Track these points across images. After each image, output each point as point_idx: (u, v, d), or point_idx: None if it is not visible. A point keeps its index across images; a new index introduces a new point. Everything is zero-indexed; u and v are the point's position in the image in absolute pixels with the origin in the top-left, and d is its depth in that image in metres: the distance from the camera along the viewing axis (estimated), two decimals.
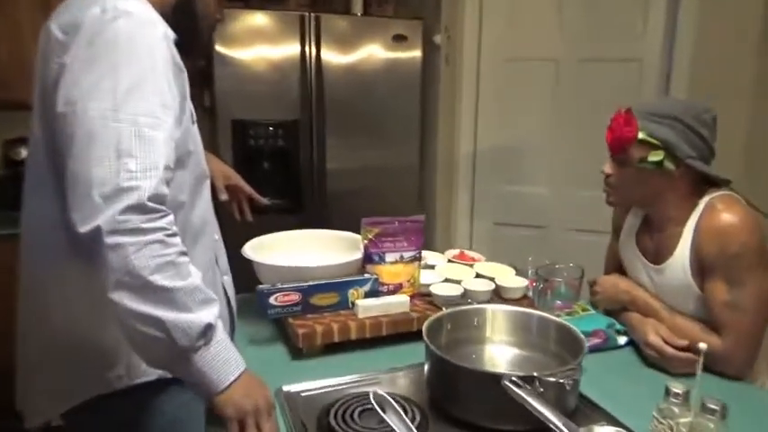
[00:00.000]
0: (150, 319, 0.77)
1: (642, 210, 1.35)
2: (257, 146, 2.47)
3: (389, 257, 1.35)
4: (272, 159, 2.53)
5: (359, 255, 1.37)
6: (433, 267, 1.49)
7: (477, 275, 1.46)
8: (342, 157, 2.63)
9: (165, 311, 0.77)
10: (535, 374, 0.89)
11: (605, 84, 2.48)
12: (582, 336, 1.03)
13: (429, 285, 1.37)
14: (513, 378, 0.88)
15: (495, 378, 0.89)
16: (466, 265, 1.55)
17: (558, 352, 1.08)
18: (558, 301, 1.42)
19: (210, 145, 2.86)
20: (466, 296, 1.33)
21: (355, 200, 2.65)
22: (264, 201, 1.53)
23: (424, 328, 1.04)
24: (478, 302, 1.32)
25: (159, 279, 0.77)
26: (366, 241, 1.36)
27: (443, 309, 1.19)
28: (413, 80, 2.68)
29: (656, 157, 1.15)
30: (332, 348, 1.23)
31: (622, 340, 1.27)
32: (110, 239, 0.75)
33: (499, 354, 1.13)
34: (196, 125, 1.04)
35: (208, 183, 1.10)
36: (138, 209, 0.77)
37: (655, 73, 2.43)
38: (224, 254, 1.22)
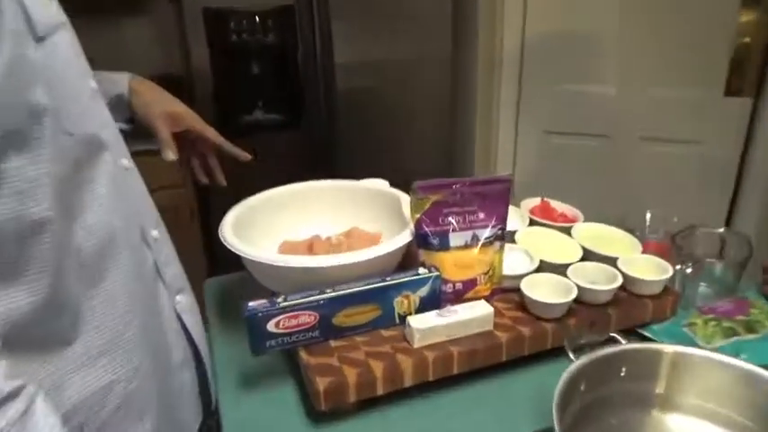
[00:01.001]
0: None
1: None
2: (240, 42, 1.86)
3: (456, 239, 0.84)
4: (261, 59, 1.93)
5: (407, 234, 0.85)
6: (511, 237, 0.98)
7: (586, 254, 0.95)
8: (352, 50, 2.02)
9: None
10: None
11: None
12: None
13: (516, 278, 0.87)
14: None
15: None
16: (558, 228, 1.03)
17: None
18: (706, 289, 0.93)
19: (179, 45, 2.23)
20: (579, 296, 0.83)
21: (370, 107, 2.08)
22: (245, 155, 1.00)
23: (554, 410, 0.56)
24: (597, 304, 0.83)
25: None
26: (419, 215, 0.83)
27: (571, 351, 0.69)
28: None
29: None
30: (373, 401, 0.75)
31: None
32: None
33: None
34: (65, 34, 0.50)
35: (106, 158, 0.58)
36: None
37: None
38: (174, 259, 0.73)
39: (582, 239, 0.98)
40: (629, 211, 1.12)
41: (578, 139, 2.22)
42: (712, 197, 2.09)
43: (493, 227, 0.85)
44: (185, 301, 0.78)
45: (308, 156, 2.03)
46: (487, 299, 0.86)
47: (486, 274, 0.86)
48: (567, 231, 1.03)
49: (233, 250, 0.82)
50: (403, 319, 0.81)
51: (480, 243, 0.85)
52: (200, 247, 2.14)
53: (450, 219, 0.83)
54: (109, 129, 0.64)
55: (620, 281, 0.85)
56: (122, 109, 0.87)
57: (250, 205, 0.98)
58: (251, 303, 0.75)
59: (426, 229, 0.83)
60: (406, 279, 0.80)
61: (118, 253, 0.60)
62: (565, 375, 0.61)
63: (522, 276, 0.87)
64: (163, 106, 0.88)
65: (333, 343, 0.79)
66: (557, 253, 0.94)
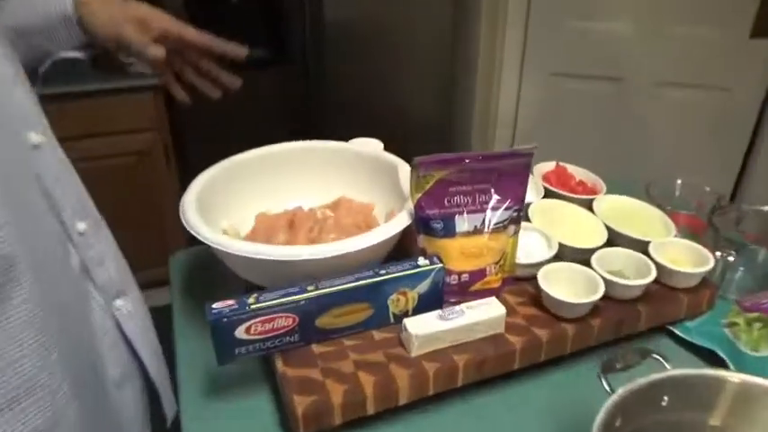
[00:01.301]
0: None
1: None
2: None
3: (463, 223, 0.70)
4: None
5: (404, 216, 0.71)
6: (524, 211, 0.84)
7: (611, 235, 0.81)
8: None
9: None
10: None
11: None
12: None
13: (532, 266, 0.74)
14: None
15: None
16: (577, 200, 0.90)
17: None
18: (744, 275, 0.81)
19: None
20: (606, 290, 0.71)
21: (363, 41, 1.88)
22: (240, 50, 0.79)
23: None
24: (627, 298, 0.71)
25: None
26: (420, 195, 0.69)
27: (605, 380, 0.57)
28: None
29: None
30: (362, 421, 0.64)
31: None
32: None
33: None
34: None
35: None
36: None
37: None
38: (111, 256, 0.60)
39: (605, 216, 0.85)
40: (653, 176, 0.99)
41: (588, 83, 2.05)
42: (728, 147, 1.95)
43: (507, 208, 0.71)
44: (127, 305, 0.64)
45: (292, 97, 1.85)
46: (497, 291, 0.74)
47: (497, 263, 0.72)
48: (588, 204, 0.89)
49: (194, 233, 0.68)
50: (398, 318, 0.69)
51: (492, 228, 0.71)
52: (179, 197, 1.99)
53: (457, 199, 0.69)
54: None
55: (653, 273, 0.72)
56: (73, 32, 0.69)
57: (222, 170, 0.83)
58: (215, 306, 0.62)
59: (428, 212, 0.69)
60: (403, 273, 0.67)
61: (18, 263, 0.45)
62: (602, 415, 0.50)
63: (538, 265, 0.74)
64: (124, 12, 0.70)
65: (315, 348, 0.66)
66: (577, 234, 0.81)
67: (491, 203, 0.70)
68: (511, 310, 0.71)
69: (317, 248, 0.65)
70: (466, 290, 0.73)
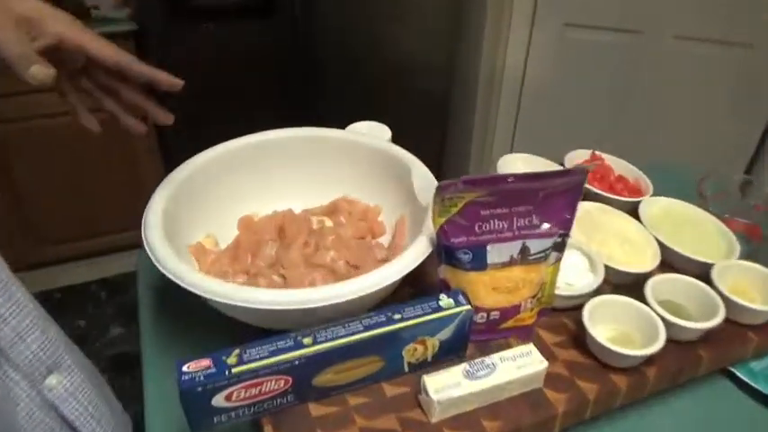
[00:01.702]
0: None
1: None
2: None
3: (497, 254, 0.57)
4: None
5: (425, 243, 0.57)
6: None
7: (664, 253, 0.68)
8: None
9: None
10: None
11: None
12: None
13: (573, 298, 0.62)
14: None
15: None
16: (620, 204, 0.76)
17: None
18: None
19: None
20: (669, 330, 0.58)
21: None
22: (174, 82, 0.57)
23: None
24: (686, 340, 0.59)
25: None
26: (444, 220, 0.55)
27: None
28: None
29: None
30: None
31: None
32: None
33: None
34: None
35: None
36: None
37: None
38: (35, 327, 0.46)
39: (655, 226, 0.72)
40: (671, 139, 0.85)
41: (604, 35, 1.86)
42: (749, 108, 1.81)
43: (551, 235, 0.57)
44: (63, 382, 0.51)
45: (279, 51, 1.65)
46: (531, 328, 0.61)
47: (533, 297, 0.59)
48: (631, 208, 0.76)
49: (156, 265, 0.54)
50: (414, 368, 0.56)
51: (531, 258, 0.57)
52: (158, 156, 1.82)
53: (490, 225, 0.55)
54: None
55: (722, 312, 0.60)
56: None
57: (197, 167, 0.67)
58: (186, 367, 0.49)
59: (454, 240, 0.55)
60: (423, 319, 0.54)
61: None
62: None
63: (580, 298, 0.61)
64: (2, 6, 0.49)
65: (313, 409, 0.54)
66: (624, 250, 0.68)
67: (532, 229, 0.56)
68: (549, 354, 0.59)
69: (318, 292, 0.51)
70: (495, 328, 0.60)
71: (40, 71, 0.48)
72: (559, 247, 0.58)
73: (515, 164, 0.86)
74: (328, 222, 0.70)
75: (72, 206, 1.82)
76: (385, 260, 0.67)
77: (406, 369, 0.57)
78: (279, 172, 0.74)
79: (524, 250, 0.57)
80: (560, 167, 0.86)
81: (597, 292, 0.63)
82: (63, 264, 1.93)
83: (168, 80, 0.56)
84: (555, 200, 0.56)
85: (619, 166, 0.84)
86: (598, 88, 1.90)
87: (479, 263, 0.56)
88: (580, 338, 0.61)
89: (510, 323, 0.60)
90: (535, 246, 0.57)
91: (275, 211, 0.74)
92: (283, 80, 1.68)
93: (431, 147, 1.99)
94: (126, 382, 1.61)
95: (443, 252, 0.57)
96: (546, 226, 0.57)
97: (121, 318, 1.83)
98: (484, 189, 0.53)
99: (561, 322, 0.63)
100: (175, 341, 0.66)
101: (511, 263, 0.57)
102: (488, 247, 0.56)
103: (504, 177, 0.53)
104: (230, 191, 0.71)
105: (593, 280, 0.64)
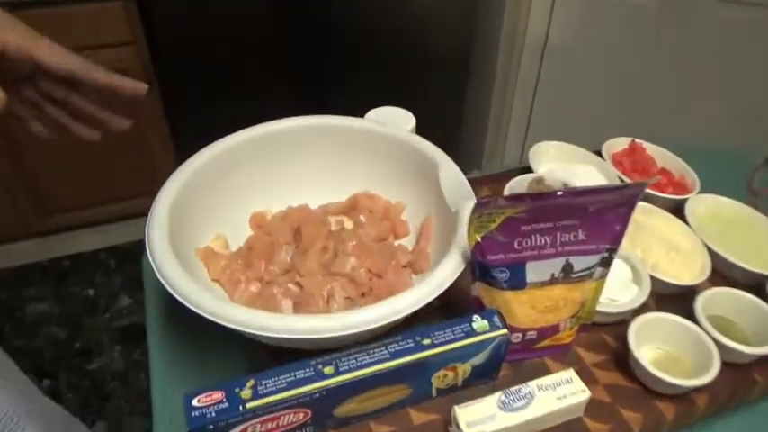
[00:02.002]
0: None
1: None
2: None
3: (537, 272, 0.51)
4: None
5: (457, 259, 0.51)
6: None
7: (714, 260, 0.63)
8: None
9: None
10: None
11: None
12: None
13: (614, 315, 0.57)
14: None
15: None
16: (664, 202, 0.70)
17: None
18: None
19: None
20: (721, 352, 0.53)
21: None
22: (138, 87, 0.53)
23: None
24: (740, 362, 0.54)
25: None
26: (480, 236, 0.49)
27: None
28: None
29: None
30: None
31: None
32: None
33: None
34: None
35: None
36: None
37: None
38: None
39: (700, 227, 0.66)
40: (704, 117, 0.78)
41: None
42: None
43: (598, 252, 0.52)
44: None
45: (293, 10, 1.56)
46: (568, 346, 0.56)
47: (573, 316, 0.54)
48: (675, 207, 0.70)
49: (165, 285, 0.49)
50: (442, 392, 0.52)
51: (575, 275, 0.52)
52: (164, 122, 1.74)
53: (531, 240, 0.49)
54: None
55: None
56: None
57: (205, 160, 0.61)
58: (196, 401, 0.44)
59: (491, 257, 0.50)
60: (455, 345, 0.49)
61: None
62: None
63: (623, 314, 0.56)
64: None
65: None
66: (671, 258, 0.62)
67: (577, 245, 0.50)
68: (589, 377, 0.54)
69: (341, 318, 0.46)
70: (530, 347, 0.55)
71: None
72: (606, 263, 0.53)
73: (548, 151, 0.80)
74: (347, 223, 0.65)
75: (79, 173, 1.76)
76: (409, 266, 0.62)
77: (434, 394, 0.52)
78: (293, 164, 0.68)
79: (567, 268, 0.51)
80: (594, 155, 0.79)
81: (641, 305, 0.58)
82: (71, 231, 1.89)
83: (132, 87, 0.52)
84: (606, 214, 0.50)
85: (663, 157, 0.77)
86: (625, 57, 1.80)
87: (517, 281, 0.51)
88: (622, 358, 0.56)
89: (547, 342, 0.55)
90: (580, 263, 0.51)
91: (290, 206, 0.68)
92: (295, 40, 1.59)
93: (448, 117, 1.91)
94: (136, 355, 1.61)
95: (478, 268, 0.51)
96: (593, 241, 0.51)
97: (129, 287, 1.80)
98: (527, 204, 0.47)
99: (601, 339, 0.58)
100: (186, 354, 0.61)
101: (552, 281, 0.52)
102: (528, 265, 0.50)
103: (553, 193, 0.47)
104: (241, 185, 0.65)
105: (637, 294, 0.58)
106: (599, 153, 0.79)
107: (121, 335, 1.64)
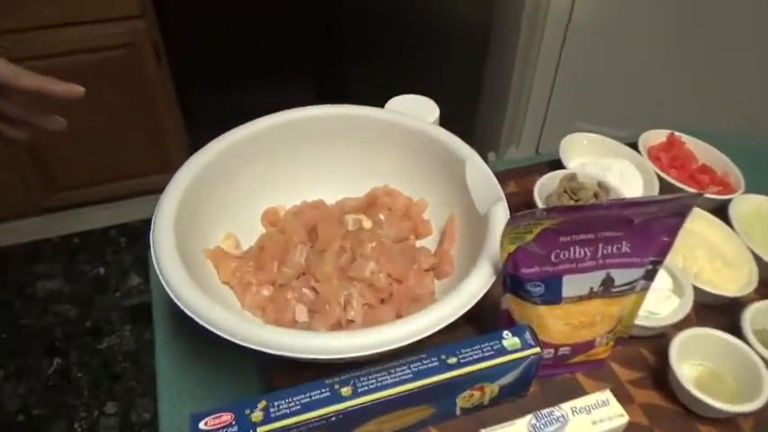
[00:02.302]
0: None
1: None
2: None
3: (574, 285, 0.47)
4: None
5: (487, 270, 0.47)
6: None
7: (762, 269, 0.58)
8: None
9: None
10: None
11: None
12: None
13: (652, 329, 0.52)
14: None
15: None
16: (706, 203, 0.65)
17: None
18: None
19: None
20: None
21: None
22: (75, 89, 0.49)
23: None
24: None
25: None
26: (515, 247, 0.45)
27: None
28: None
29: None
30: None
31: None
32: None
33: None
34: None
35: None
36: None
37: None
38: None
39: (747, 232, 0.61)
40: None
41: None
42: None
43: (642, 265, 0.47)
44: None
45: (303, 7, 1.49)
46: (603, 362, 0.53)
47: (610, 332, 0.50)
48: (716, 208, 0.65)
49: (171, 295, 0.45)
50: (467, 411, 0.48)
51: (615, 290, 0.48)
52: (174, 98, 1.70)
53: (569, 252, 0.45)
54: None
55: None
56: None
57: (215, 153, 0.57)
58: (203, 424, 0.41)
59: (525, 270, 0.45)
60: (483, 365, 0.45)
61: None
62: None
63: (662, 329, 0.52)
64: None
65: None
66: (715, 267, 0.58)
67: (620, 257, 0.46)
68: (625, 396, 0.51)
69: (365, 336, 0.42)
70: (562, 363, 0.51)
71: None
72: (650, 276, 0.48)
73: (581, 142, 0.75)
74: (366, 222, 0.60)
75: (88, 150, 1.73)
76: (431, 270, 0.58)
77: (458, 413, 0.49)
78: (308, 157, 0.63)
79: (608, 281, 0.47)
80: (629, 149, 0.74)
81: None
82: (81, 207, 1.87)
83: (65, 90, 0.48)
84: (652, 225, 0.45)
85: (703, 152, 0.72)
86: (657, 36, 1.71)
87: (553, 296, 0.47)
88: (661, 375, 0.52)
89: (580, 357, 0.51)
90: (622, 276, 0.47)
91: (304, 201, 0.64)
92: (310, 31, 1.53)
93: (465, 99, 1.84)
94: (147, 335, 1.59)
95: (509, 280, 0.47)
96: (638, 253, 0.46)
97: (139, 266, 1.79)
98: (566, 216, 0.43)
99: (638, 353, 0.54)
100: (194, 362, 0.58)
101: (590, 296, 0.47)
102: (565, 279, 0.46)
103: (598, 205, 0.42)
104: (253, 179, 0.61)
105: (678, 307, 0.54)
106: (634, 145, 0.74)
107: (132, 314, 1.63)
